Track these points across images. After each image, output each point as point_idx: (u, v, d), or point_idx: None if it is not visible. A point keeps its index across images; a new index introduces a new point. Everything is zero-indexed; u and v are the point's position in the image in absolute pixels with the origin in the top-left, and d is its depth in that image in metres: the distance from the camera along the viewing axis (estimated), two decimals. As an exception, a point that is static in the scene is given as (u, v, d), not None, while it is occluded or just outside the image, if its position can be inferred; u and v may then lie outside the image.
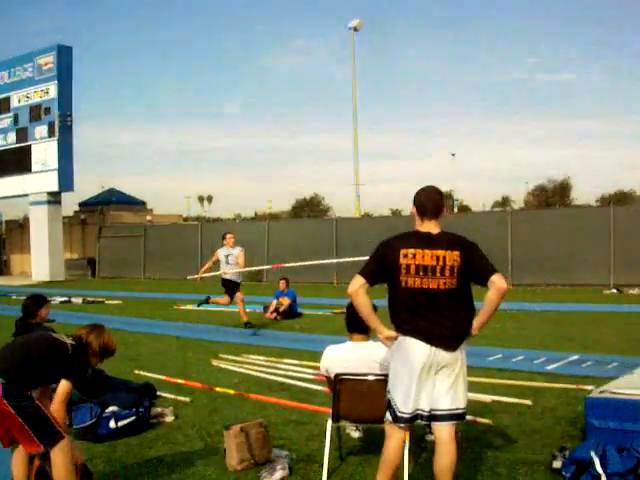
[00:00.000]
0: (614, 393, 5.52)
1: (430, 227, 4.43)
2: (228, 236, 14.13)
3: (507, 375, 8.75)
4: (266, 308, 16.80)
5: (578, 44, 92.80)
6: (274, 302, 16.65)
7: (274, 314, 16.42)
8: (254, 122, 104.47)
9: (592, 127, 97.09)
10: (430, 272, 4.29)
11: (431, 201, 4.46)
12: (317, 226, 32.45)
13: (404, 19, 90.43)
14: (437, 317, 4.34)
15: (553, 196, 63.97)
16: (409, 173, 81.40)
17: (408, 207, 4.86)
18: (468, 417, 6.54)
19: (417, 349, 4.32)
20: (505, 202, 72.83)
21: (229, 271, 13.80)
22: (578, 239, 23.87)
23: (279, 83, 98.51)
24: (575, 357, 9.86)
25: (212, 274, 14.73)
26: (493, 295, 4.29)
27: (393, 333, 4.45)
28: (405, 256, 4.32)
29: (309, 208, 65.29)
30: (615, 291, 21.96)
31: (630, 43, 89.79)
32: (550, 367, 9.20)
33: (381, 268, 4.41)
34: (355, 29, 38.30)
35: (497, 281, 4.26)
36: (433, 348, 4.31)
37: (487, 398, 7.39)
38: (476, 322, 4.44)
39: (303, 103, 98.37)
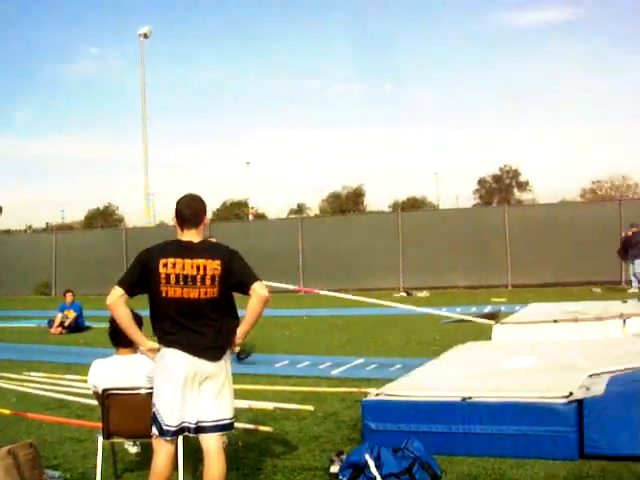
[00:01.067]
0: (389, 395, 5.59)
1: (191, 236, 4.29)
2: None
3: (292, 381, 8.74)
4: (51, 323, 15.91)
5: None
6: (59, 316, 15.83)
7: (59, 329, 15.61)
8: (46, 131, 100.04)
9: (389, 134, 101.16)
10: (190, 281, 4.14)
11: (190, 210, 4.33)
12: (107, 236, 31.54)
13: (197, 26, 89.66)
14: (199, 327, 4.19)
15: (347, 202, 65.72)
16: (204, 182, 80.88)
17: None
18: (249, 425, 6.45)
19: (179, 361, 4.15)
20: (301, 209, 73.99)
21: None
22: (369, 244, 24.67)
23: (72, 91, 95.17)
24: (360, 361, 10.02)
25: None
26: (255, 303, 4.20)
27: (155, 345, 4.26)
28: (165, 265, 4.15)
29: (103, 218, 63.24)
30: (404, 294, 22.91)
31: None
32: (335, 372, 9.28)
33: (140, 278, 4.22)
34: (145, 36, 37.39)
35: (258, 289, 4.17)
36: (196, 359, 4.16)
37: (270, 406, 7.31)
38: (239, 331, 4.33)
39: (96, 112, 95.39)
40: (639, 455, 5.01)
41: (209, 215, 4.66)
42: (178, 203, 4.37)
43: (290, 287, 15.18)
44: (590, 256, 21.38)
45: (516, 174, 73.71)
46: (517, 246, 22.95)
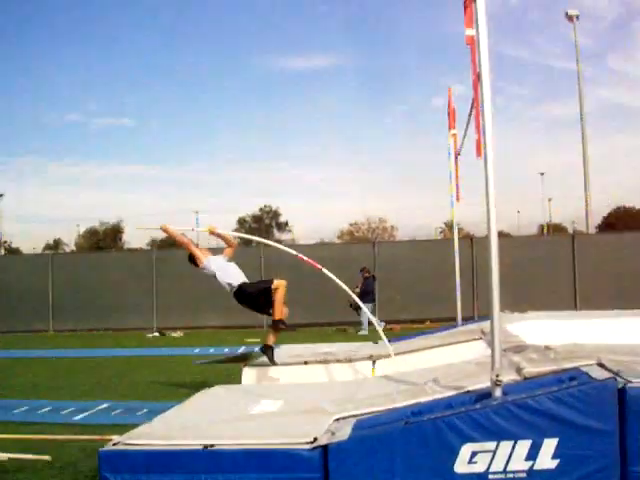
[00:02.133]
0: (128, 444, 5.24)
1: None
2: None
3: (30, 429, 8.05)
4: None
5: (138, 92, 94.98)
6: None
7: None
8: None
9: (151, 172, 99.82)
10: None
11: None
12: None
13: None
14: None
15: (105, 239, 63.84)
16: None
17: None
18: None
19: None
20: (57, 245, 70.69)
21: None
22: (124, 282, 23.91)
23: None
24: (105, 405, 9.56)
25: None
26: None
27: None
28: None
29: None
30: (157, 334, 22.38)
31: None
32: (78, 417, 8.76)
33: None
34: None
35: None
36: None
37: (3, 456, 6.65)
38: None
39: None
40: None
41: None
42: None
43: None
44: (345, 296, 22.03)
45: (276, 214, 75.53)
46: (272, 286, 23.12)
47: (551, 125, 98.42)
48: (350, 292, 10.15)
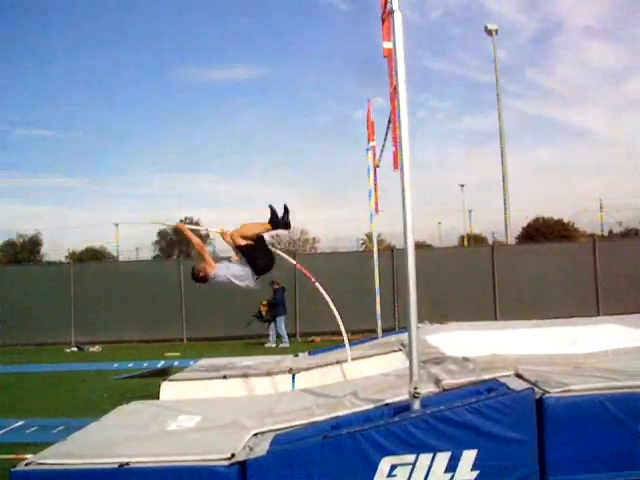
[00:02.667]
0: (41, 464, 5.05)
1: None
2: None
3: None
4: None
5: (58, 102, 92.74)
6: None
7: None
8: None
9: (71, 183, 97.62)
10: None
11: None
12: None
13: None
14: None
15: (22, 251, 62.18)
16: None
17: None
18: None
19: None
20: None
21: None
22: (41, 296, 23.24)
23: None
24: (20, 423, 9.23)
25: None
26: None
27: None
28: None
29: None
30: (75, 349, 21.85)
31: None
32: (-11, 437, 8.40)
33: None
34: None
35: None
36: None
37: None
38: None
39: None
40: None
41: None
42: None
43: None
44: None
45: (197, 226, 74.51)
46: (190, 299, 22.78)
47: (472, 137, 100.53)
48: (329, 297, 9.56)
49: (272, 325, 20.22)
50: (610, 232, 66.53)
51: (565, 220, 64.08)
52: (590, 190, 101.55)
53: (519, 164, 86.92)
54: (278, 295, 20.12)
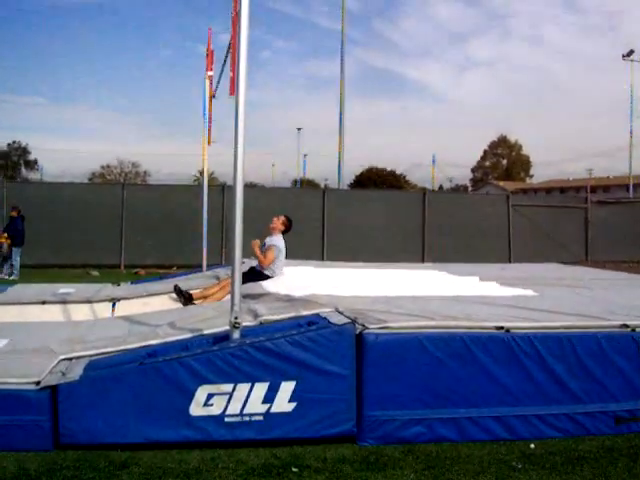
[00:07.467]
0: None
1: None
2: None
3: None
4: None
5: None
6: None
7: None
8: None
9: None
10: None
11: None
12: None
13: None
14: None
15: None
16: None
17: None
18: None
19: None
20: None
21: None
22: None
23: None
24: None
25: None
26: None
27: None
28: None
29: None
30: None
31: None
32: None
33: None
34: None
35: None
36: None
37: None
38: None
39: None
40: (115, 443, 4.86)
41: None
42: None
43: None
44: (90, 238, 21.23)
45: (25, 152, 71.88)
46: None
47: (313, 83, 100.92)
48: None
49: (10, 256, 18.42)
50: (440, 187, 69.18)
51: (398, 172, 66.29)
52: (425, 145, 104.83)
53: (359, 114, 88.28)
54: (17, 223, 18.38)
